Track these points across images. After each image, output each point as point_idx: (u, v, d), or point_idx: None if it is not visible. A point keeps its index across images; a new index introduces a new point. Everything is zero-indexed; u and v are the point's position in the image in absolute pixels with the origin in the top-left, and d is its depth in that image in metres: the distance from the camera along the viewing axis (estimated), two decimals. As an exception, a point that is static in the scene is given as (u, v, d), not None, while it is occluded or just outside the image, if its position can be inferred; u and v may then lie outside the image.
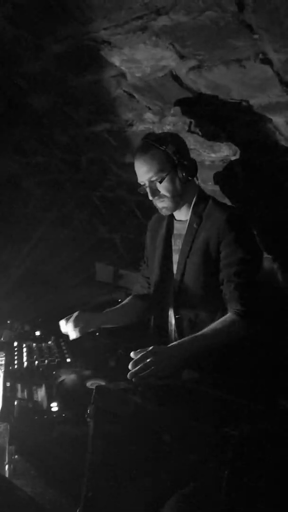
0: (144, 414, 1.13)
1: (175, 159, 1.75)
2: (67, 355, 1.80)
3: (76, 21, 1.79)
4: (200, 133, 2.04)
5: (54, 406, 1.43)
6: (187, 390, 1.35)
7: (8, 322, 2.11)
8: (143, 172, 1.78)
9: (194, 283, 1.79)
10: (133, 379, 1.38)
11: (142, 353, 1.45)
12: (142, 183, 1.81)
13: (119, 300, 3.04)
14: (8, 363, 1.74)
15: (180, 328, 1.84)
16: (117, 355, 1.82)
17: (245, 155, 2.08)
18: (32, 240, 3.56)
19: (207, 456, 1.17)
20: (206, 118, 1.99)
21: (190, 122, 2.04)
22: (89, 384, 1.58)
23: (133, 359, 1.44)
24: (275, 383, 1.89)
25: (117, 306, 2.10)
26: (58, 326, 1.87)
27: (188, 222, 1.85)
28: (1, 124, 3.11)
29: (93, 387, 1.22)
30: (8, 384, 1.55)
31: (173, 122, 2.10)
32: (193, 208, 1.84)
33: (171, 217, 1.95)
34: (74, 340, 1.82)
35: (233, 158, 2.10)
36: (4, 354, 1.82)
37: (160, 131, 2.29)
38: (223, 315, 1.69)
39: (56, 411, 1.41)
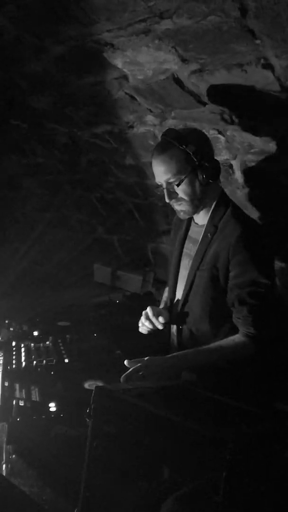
0: (143, 415, 1.14)
1: (195, 160, 1.59)
2: (65, 356, 1.81)
3: (79, 23, 1.79)
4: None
5: (52, 406, 1.43)
6: (185, 392, 1.36)
7: (6, 322, 2.11)
8: (160, 173, 1.64)
9: (201, 296, 1.69)
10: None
11: (134, 367, 1.44)
12: (159, 183, 1.69)
13: (117, 302, 3.06)
14: (6, 362, 1.74)
15: (180, 337, 1.80)
16: (115, 356, 1.83)
17: (245, 159, 2.09)
18: (30, 240, 3.57)
19: (205, 458, 1.18)
20: (206, 121, 2.00)
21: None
22: (87, 385, 1.59)
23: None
24: (273, 386, 1.89)
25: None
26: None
27: (204, 230, 1.72)
28: (1, 124, 3.11)
29: (91, 387, 1.22)
30: (6, 383, 1.55)
31: (174, 125, 2.11)
32: (211, 214, 1.70)
33: (191, 219, 1.83)
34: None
35: (233, 161, 2.11)
36: (2, 353, 1.82)
37: (160, 134, 2.30)
38: (226, 331, 1.64)
39: (54, 411, 1.41)
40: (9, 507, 1.14)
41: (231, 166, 2.14)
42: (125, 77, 2.03)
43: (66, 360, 1.77)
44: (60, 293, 3.19)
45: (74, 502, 1.11)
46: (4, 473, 1.25)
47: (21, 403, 1.42)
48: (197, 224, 1.80)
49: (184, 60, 1.72)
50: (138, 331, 1.80)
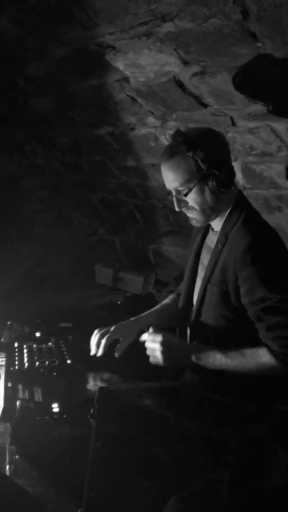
0: (146, 416, 1.15)
1: (203, 168, 1.45)
2: (67, 357, 1.81)
3: (82, 25, 1.80)
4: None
5: (55, 407, 1.44)
6: (188, 393, 1.37)
7: (8, 323, 2.12)
8: (169, 180, 1.52)
9: (214, 310, 1.54)
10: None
11: (153, 344, 1.45)
12: (168, 190, 1.56)
13: (118, 303, 3.07)
14: (9, 364, 1.74)
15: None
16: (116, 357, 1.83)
17: (246, 161, 2.10)
18: (31, 241, 3.58)
19: (207, 458, 1.19)
20: (207, 123, 2.01)
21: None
22: (90, 385, 1.59)
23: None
24: (274, 387, 1.90)
25: (157, 307, 1.88)
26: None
27: (216, 238, 1.57)
28: (2, 125, 3.12)
29: (94, 388, 1.23)
30: (9, 384, 1.56)
31: (175, 127, 2.12)
32: (224, 222, 1.55)
33: (209, 224, 1.66)
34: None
35: (234, 163, 2.12)
36: (4, 355, 1.83)
37: (162, 136, 2.32)
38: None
39: (57, 412, 1.42)
40: (13, 507, 1.14)
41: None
42: (126, 79, 2.03)
43: (69, 361, 1.77)
44: (61, 294, 3.20)
45: (78, 503, 1.12)
46: (8, 474, 1.26)
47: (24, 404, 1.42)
48: (213, 230, 1.65)
49: (185, 63, 1.72)
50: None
